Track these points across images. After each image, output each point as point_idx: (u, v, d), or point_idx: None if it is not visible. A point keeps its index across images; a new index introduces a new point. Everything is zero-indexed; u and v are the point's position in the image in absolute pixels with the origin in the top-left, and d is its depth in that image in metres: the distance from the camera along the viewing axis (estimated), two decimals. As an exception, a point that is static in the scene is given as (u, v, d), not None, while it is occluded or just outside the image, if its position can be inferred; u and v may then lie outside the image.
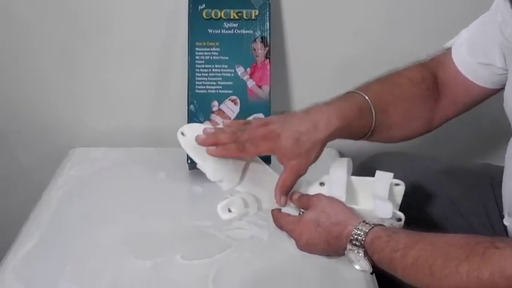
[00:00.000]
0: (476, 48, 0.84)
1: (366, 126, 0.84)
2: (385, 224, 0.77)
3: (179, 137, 0.86)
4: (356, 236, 0.74)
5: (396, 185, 0.83)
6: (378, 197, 0.80)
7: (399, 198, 0.83)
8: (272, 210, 0.87)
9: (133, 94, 1.22)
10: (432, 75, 0.88)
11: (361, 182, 0.85)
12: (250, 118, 1.07)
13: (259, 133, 0.80)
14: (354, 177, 0.85)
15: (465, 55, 0.86)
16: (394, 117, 0.86)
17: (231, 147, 0.80)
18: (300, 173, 0.82)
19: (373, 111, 0.83)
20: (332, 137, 0.81)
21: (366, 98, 0.84)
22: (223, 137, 0.82)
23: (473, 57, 0.85)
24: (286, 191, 0.83)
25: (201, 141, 0.82)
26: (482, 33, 0.84)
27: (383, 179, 0.82)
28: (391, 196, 0.82)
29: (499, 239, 0.63)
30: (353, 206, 0.82)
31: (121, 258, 0.84)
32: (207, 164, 0.85)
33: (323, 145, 0.81)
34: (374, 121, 0.84)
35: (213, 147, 0.81)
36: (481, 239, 0.64)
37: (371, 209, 0.80)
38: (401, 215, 0.80)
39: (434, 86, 0.88)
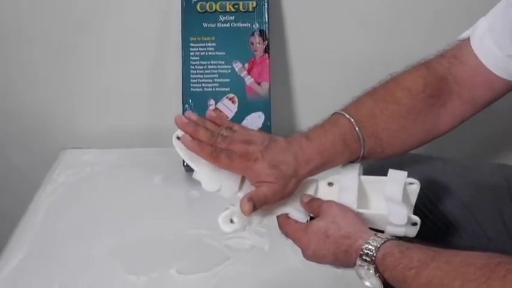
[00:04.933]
0: (503, 38, 0.77)
1: (352, 156, 0.80)
2: (399, 229, 0.74)
3: (175, 142, 0.81)
4: (366, 251, 0.70)
5: (411, 184, 0.78)
6: (392, 200, 0.75)
7: (413, 199, 0.79)
8: (278, 217, 0.82)
9: (126, 93, 1.20)
10: (437, 78, 0.83)
11: (373, 182, 0.81)
12: (244, 122, 1.06)
13: (238, 149, 0.76)
14: (365, 177, 0.81)
15: (491, 47, 0.79)
16: (386, 140, 0.81)
17: (206, 148, 0.76)
18: (269, 198, 0.75)
19: (361, 139, 0.78)
20: (311, 174, 0.78)
21: (353, 122, 0.78)
22: (202, 134, 0.77)
23: (501, 49, 0.78)
24: (253, 206, 0.74)
25: (179, 123, 0.77)
26: (506, 19, 0.77)
27: (397, 178, 0.77)
28: (405, 197, 0.77)
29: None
30: (365, 210, 0.77)
31: (113, 274, 0.82)
32: (203, 172, 0.80)
33: (299, 181, 0.77)
34: (362, 149, 0.79)
35: (190, 139, 0.76)
36: (503, 259, 0.60)
37: (384, 214, 0.76)
38: (417, 219, 0.76)
39: (440, 90, 0.83)
